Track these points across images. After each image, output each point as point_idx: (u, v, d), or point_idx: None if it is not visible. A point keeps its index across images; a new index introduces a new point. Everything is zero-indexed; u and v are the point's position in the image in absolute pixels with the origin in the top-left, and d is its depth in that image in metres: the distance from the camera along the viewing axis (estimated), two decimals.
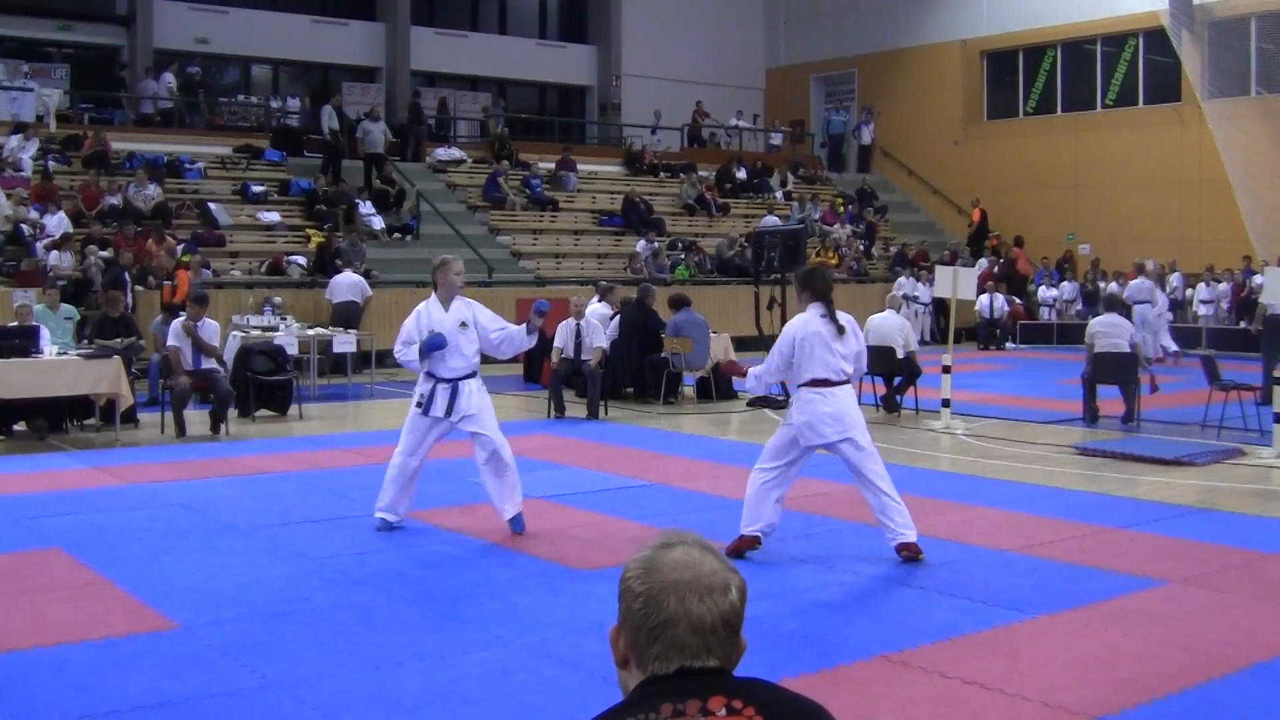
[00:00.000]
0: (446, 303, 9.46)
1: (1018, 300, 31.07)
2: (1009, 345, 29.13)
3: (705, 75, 39.72)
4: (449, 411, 9.28)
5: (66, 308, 17.24)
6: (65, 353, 14.65)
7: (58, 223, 22.10)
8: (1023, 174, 35.34)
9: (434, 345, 9.27)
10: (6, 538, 9.29)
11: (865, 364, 9.23)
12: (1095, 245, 33.21)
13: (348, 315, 21.18)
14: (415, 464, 9.47)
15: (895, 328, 16.61)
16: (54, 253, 21.24)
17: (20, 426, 14.83)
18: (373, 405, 18.40)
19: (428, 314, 9.41)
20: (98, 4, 32.15)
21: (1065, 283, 31.86)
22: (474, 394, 9.35)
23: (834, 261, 31.66)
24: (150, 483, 11.69)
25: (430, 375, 9.36)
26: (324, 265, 23.55)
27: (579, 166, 32.74)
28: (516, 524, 9.32)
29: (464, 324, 9.39)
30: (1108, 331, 15.57)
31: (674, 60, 39.32)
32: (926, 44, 38.03)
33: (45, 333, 14.88)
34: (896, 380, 16.73)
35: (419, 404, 9.39)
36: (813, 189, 36.31)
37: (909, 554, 8.40)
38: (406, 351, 9.47)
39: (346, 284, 21.83)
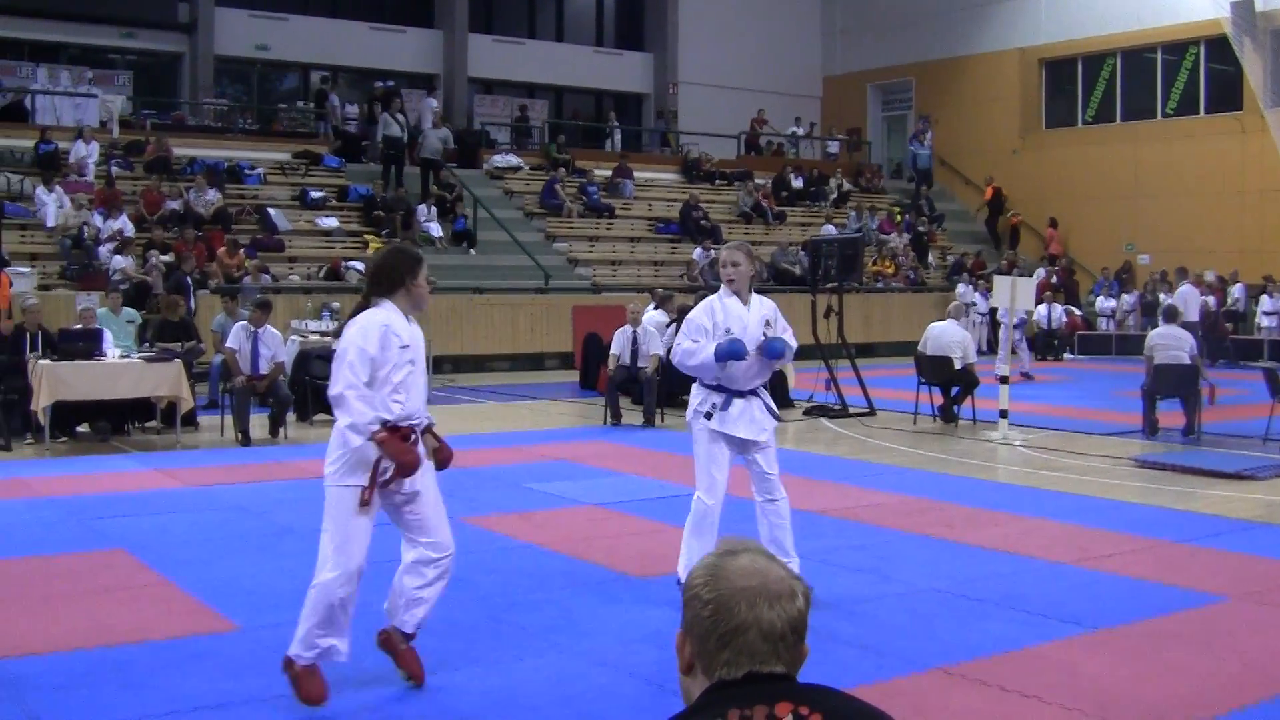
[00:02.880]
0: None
1: (1076, 311, 30.86)
2: (1067, 356, 28.93)
3: (761, 83, 39.68)
4: None
5: (128, 311, 17.40)
6: (127, 356, 14.80)
7: (120, 227, 22.34)
8: (1081, 183, 35.09)
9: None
10: (70, 538, 9.40)
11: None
12: (1155, 256, 32.92)
13: None
14: None
15: (954, 338, 16.51)
16: (116, 257, 21.47)
17: (83, 428, 14.99)
18: (429, 410, 18.44)
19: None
20: (160, 12, 32.47)
21: (1125, 294, 31.60)
22: None
23: (890, 271, 31.57)
24: (210, 485, 11.80)
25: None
26: None
27: (635, 174, 32.79)
28: None
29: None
30: (1167, 343, 15.46)
31: (730, 68, 39.32)
32: (984, 52, 37.85)
33: (108, 336, 15.04)
34: (954, 390, 16.65)
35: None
36: (870, 198, 36.19)
37: None
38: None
39: None
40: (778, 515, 7.90)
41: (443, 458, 6.38)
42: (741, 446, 7.82)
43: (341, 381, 5.83)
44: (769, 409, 7.92)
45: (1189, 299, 23.04)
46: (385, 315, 5.99)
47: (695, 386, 7.92)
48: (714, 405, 7.74)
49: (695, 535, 7.73)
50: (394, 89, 32.06)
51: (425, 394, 6.25)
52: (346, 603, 5.99)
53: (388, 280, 6.09)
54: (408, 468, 5.92)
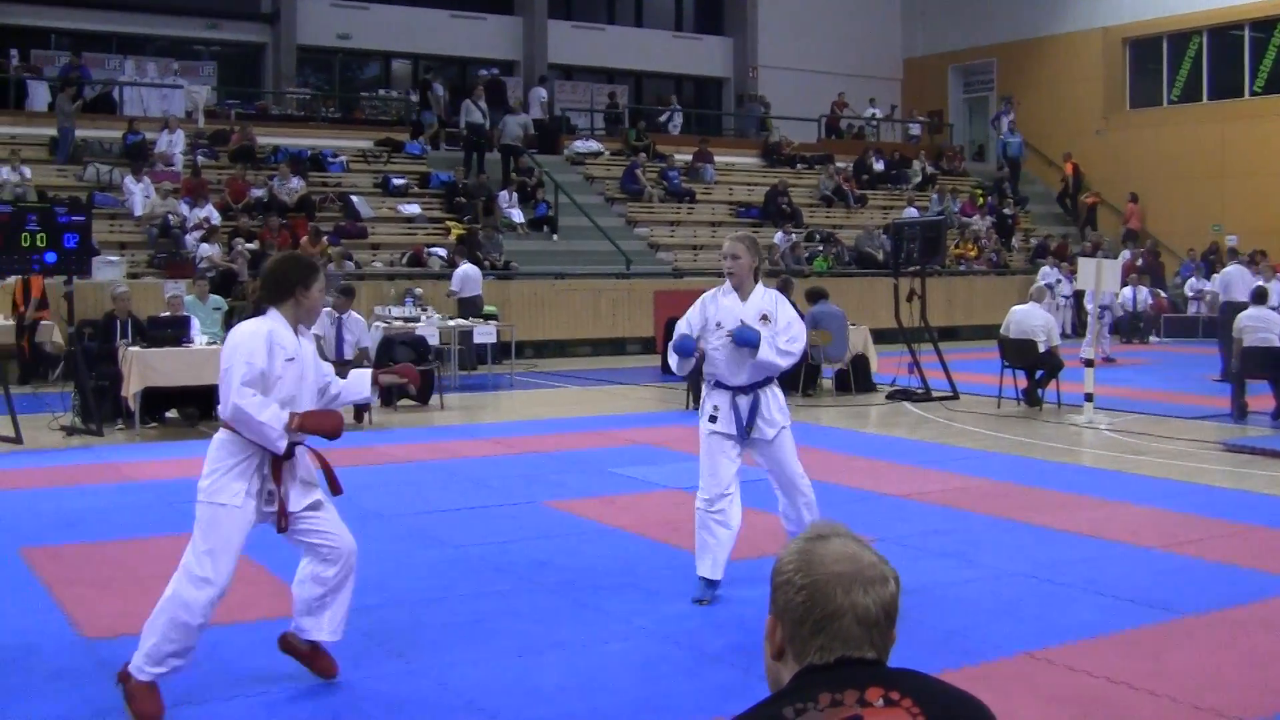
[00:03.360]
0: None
1: (1161, 293, 30.46)
2: (1152, 339, 28.57)
3: (841, 66, 39.44)
4: None
5: (215, 298, 17.63)
6: (214, 342, 14.98)
7: (206, 215, 22.62)
8: (1167, 164, 34.57)
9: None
10: (161, 521, 9.54)
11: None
12: (1243, 236, 32.39)
13: (474, 307, 21.23)
14: None
15: (1038, 321, 16.36)
16: (203, 245, 21.75)
17: (172, 414, 15.20)
18: (512, 396, 18.59)
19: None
20: (243, 3, 32.84)
21: (1216, 275, 31.10)
22: None
23: (973, 253, 31.33)
24: None
25: None
26: (469, 256, 23.82)
27: (716, 158, 32.74)
28: None
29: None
30: (1256, 325, 15.24)
31: (810, 51, 39.11)
32: (1067, 32, 37.38)
33: (195, 323, 15.25)
34: (1038, 374, 16.51)
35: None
36: (952, 180, 35.92)
37: None
38: None
39: (475, 276, 21.88)
40: (805, 509, 7.75)
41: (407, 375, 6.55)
42: (750, 444, 7.63)
43: (234, 396, 5.58)
44: (778, 407, 7.68)
45: (1234, 280, 22.55)
46: (269, 324, 5.76)
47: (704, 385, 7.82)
48: (715, 408, 7.60)
49: (703, 531, 7.52)
50: (497, 78, 32.11)
51: (312, 407, 5.97)
52: (206, 623, 5.74)
53: (277, 289, 5.86)
54: (336, 431, 5.91)
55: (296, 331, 5.86)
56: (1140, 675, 6.04)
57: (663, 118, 35.23)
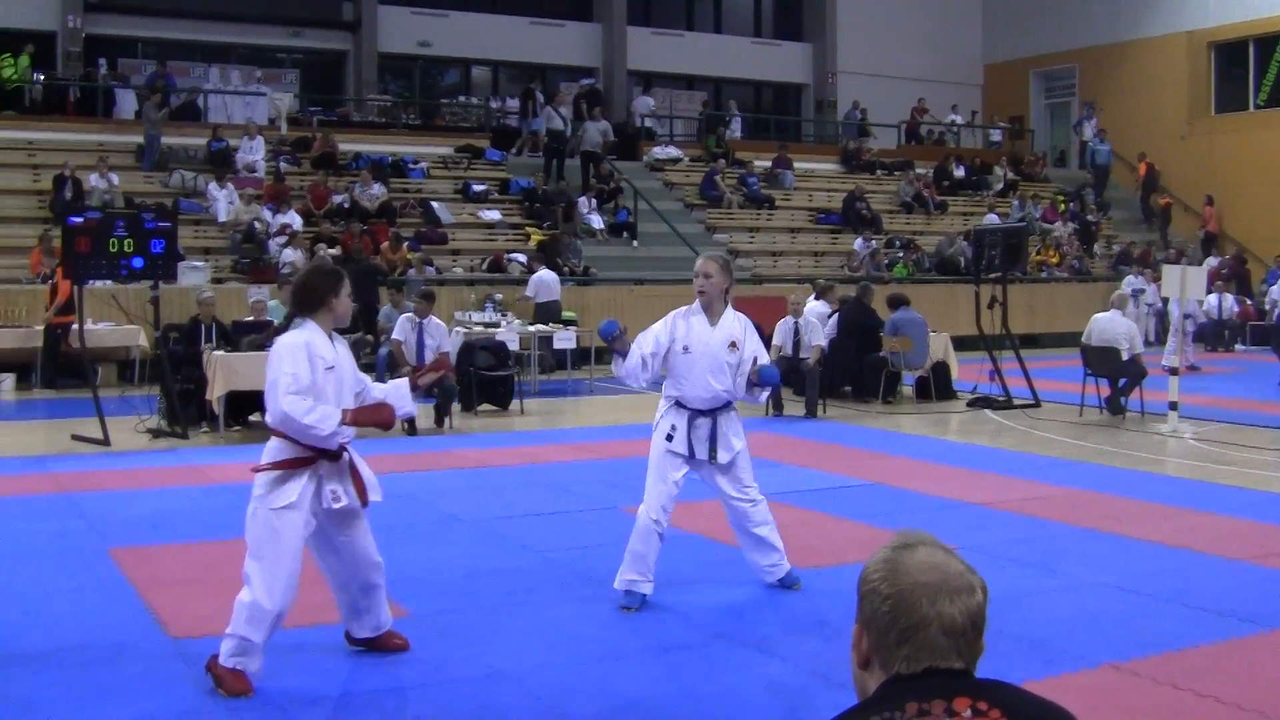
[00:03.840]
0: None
1: (1247, 300, 30.03)
2: (1238, 347, 28.17)
3: (921, 71, 39.25)
4: None
5: None
6: None
7: (288, 221, 22.87)
8: (1253, 169, 34.10)
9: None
10: (245, 523, 9.63)
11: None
12: None
13: (551, 313, 21.24)
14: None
15: (1121, 329, 16.18)
16: (285, 250, 21.97)
17: (255, 417, 15.34)
18: (591, 401, 18.63)
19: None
20: (325, 11, 33.12)
21: None
22: None
23: (1054, 260, 31.06)
24: (378, 474, 11.94)
25: None
26: (548, 262, 23.90)
27: (795, 164, 32.67)
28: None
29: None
30: None
31: (889, 57, 38.95)
32: (1150, 36, 36.99)
33: None
34: (1121, 382, 16.33)
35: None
36: (1033, 186, 35.64)
37: None
38: None
39: (552, 281, 21.86)
40: (757, 524, 7.76)
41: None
42: (700, 466, 7.63)
43: (281, 403, 5.88)
44: (734, 432, 7.64)
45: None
46: (306, 336, 6.06)
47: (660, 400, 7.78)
48: (673, 427, 7.55)
49: (642, 540, 7.45)
50: (595, 88, 32.15)
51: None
52: (278, 619, 5.95)
53: (309, 300, 6.17)
54: (388, 423, 6.38)
55: (331, 338, 6.14)
56: (1229, 689, 5.95)
57: (729, 122, 35.08)
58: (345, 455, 6.16)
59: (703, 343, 7.46)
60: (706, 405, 7.52)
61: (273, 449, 6.04)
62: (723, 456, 7.53)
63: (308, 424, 5.83)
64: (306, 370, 5.92)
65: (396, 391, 6.59)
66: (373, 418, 6.23)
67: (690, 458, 7.53)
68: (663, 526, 7.44)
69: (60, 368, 18.65)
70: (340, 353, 6.15)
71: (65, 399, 17.54)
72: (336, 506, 6.09)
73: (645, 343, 7.61)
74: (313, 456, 6.02)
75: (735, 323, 7.62)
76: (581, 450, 13.36)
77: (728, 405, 7.60)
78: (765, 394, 7.84)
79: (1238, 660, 6.45)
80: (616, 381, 20.41)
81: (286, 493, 5.97)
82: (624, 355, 7.57)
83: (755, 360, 7.52)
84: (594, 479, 11.73)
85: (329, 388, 6.01)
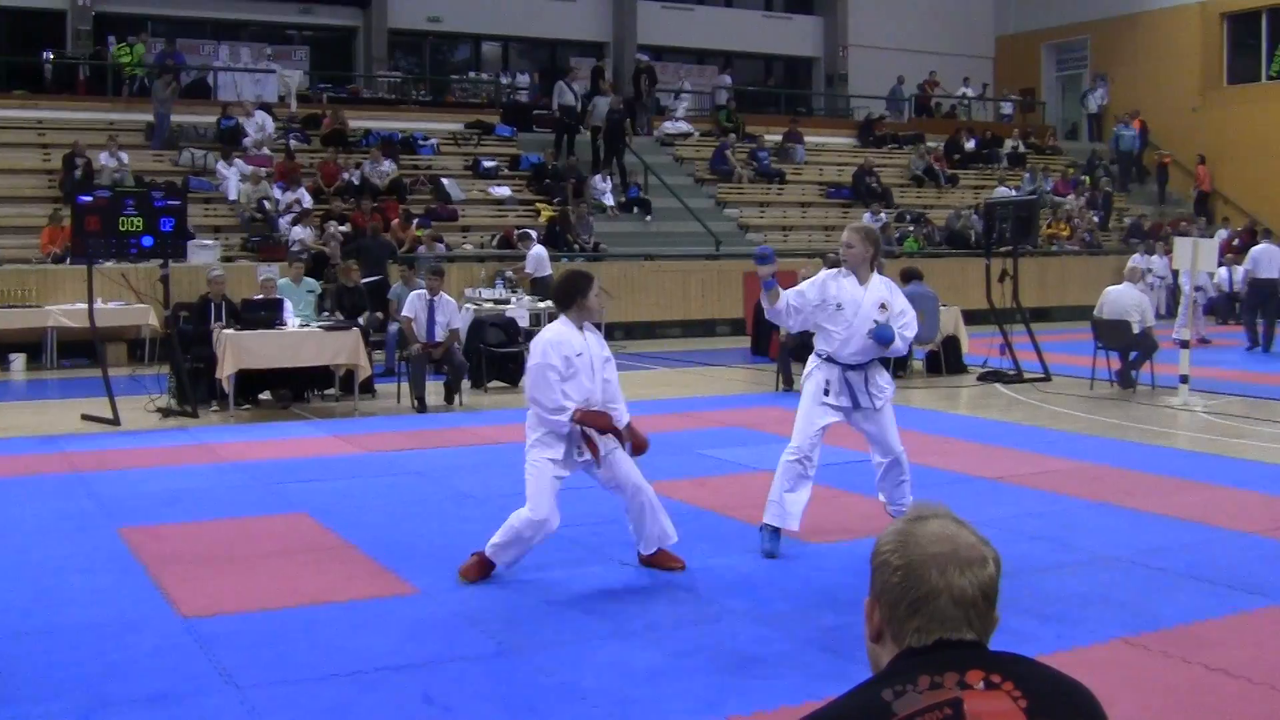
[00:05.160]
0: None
1: None
2: None
3: (933, 44, 39.12)
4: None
5: (309, 280, 17.79)
6: (307, 324, 15.13)
7: (298, 199, 22.85)
8: (1265, 141, 33.93)
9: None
10: (257, 502, 9.66)
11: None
12: None
13: (546, 287, 21.12)
14: None
15: (1131, 301, 16.13)
16: (295, 228, 21.96)
17: (265, 396, 15.36)
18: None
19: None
20: None
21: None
22: None
23: (1065, 233, 30.96)
24: (388, 451, 12.02)
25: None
26: (554, 239, 23.86)
27: (806, 138, 32.58)
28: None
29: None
30: None
31: (901, 29, 38.82)
32: (1163, 7, 36.83)
33: (289, 305, 15.39)
34: (1132, 355, 16.28)
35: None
36: (1044, 159, 35.51)
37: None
38: None
39: (543, 257, 21.68)
40: (897, 471, 8.38)
41: (636, 444, 7.69)
42: (849, 415, 8.23)
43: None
44: (882, 382, 8.25)
45: (1263, 258, 22.01)
46: (558, 331, 7.46)
47: (811, 356, 8.38)
48: (827, 382, 8.15)
49: (786, 481, 8.11)
50: (599, 66, 31.92)
51: (605, 389, 7.55)
52: (536, 538, 7.35)
53: (564, 297, 7.58)
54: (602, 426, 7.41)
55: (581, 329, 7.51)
56: (1239, 663, 5.93)
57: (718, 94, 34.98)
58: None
59: (854, 301, 8.05)
60: (856, 360, 8.10)
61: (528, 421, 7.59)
62: (875, 402, 8.17)
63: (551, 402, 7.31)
64: (559, 361, 7.31)
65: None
66: (592, 419, 7.38)
67: (847, 410, 8.17)
68: (809, 468, 8.12)
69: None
70: (589, 343, 7.51)
71: (75, 378, 17.57)
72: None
73: (793, 293, 8.19)
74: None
75: (883, 287, 8.23)
76: None
77: (874, 361, 8.22)
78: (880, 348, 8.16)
79: (1248, 634, 6.43)
80: (626, 357, 20.40)
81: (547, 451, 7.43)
82: (769, 287, 8.11)
83: (903, 314, 8.19)
84: None
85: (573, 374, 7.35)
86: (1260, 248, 22.21)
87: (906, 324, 8.17)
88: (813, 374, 8.23)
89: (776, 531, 8.04)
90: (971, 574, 2.27)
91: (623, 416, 7.62)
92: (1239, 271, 27.79)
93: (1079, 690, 2.29)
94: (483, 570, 7.40)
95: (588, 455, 7.42)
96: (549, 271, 21.43)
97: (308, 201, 23.09)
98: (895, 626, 2.29)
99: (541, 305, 19.25)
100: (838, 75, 38.35)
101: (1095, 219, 32.42)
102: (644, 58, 33.33)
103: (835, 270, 8.27)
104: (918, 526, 2.34)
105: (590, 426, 7.34)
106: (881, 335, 7.98)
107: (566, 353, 7.31)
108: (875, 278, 8.22)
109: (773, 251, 8.21)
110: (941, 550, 2.28)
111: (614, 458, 7.51)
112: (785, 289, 8.23)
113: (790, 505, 8.03)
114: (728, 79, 34.97)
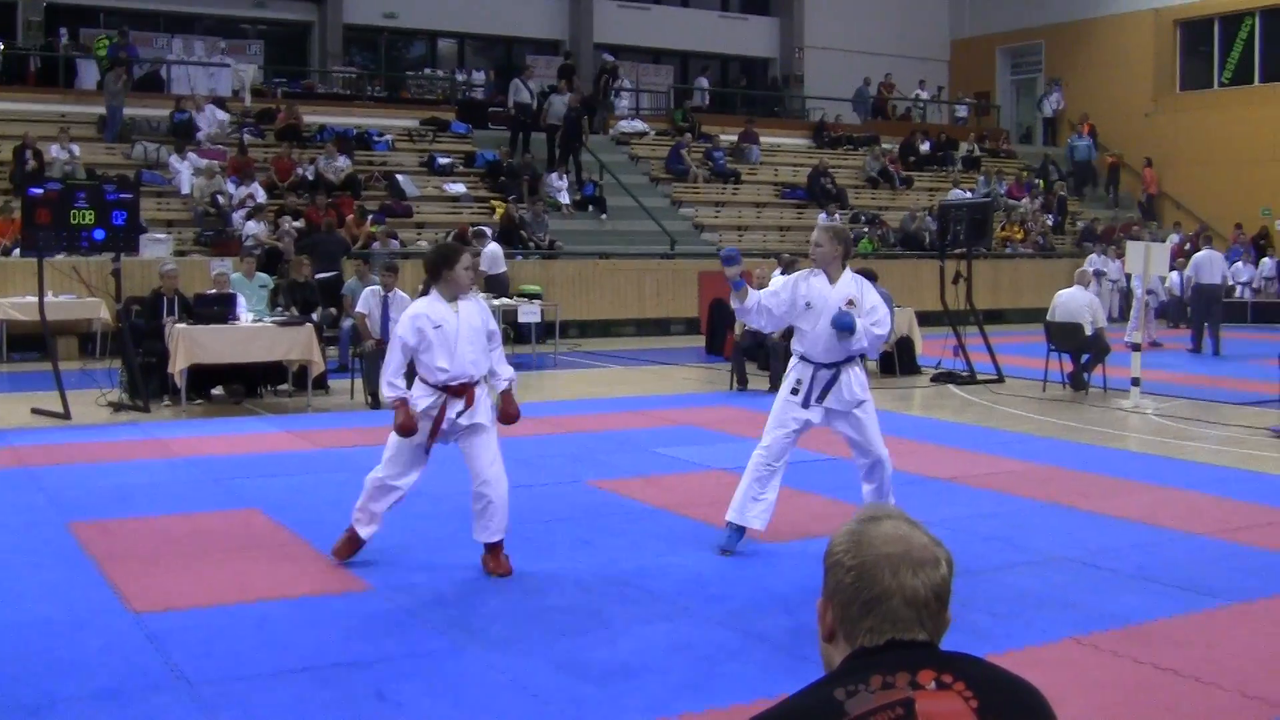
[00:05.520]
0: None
1: None
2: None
3: (888, 47, 39.29)
4: None
5: (261, 275, 17.69)
6: (260, 320, 15.05)
7: (252, 193, 22.73)
8: (1217, 147, 34.28)
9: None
10: (208, 498, 9.61)
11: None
12: None
13: (499, 285, 21.15)
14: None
15: (1083, 304, 16.25)
16: (249, 223, 21.83)
17: (218, 391, 15.28)
18: (555, 375, 18.61)
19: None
20: None
21: (1265, 259, 30.78)
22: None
23: (1019, 236, 31.14)
24: (341, 448, 11.97)
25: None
26: (509, 236, 23.82)
27: (761, 139, 32.65)
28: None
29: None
30: None
31: (856, 31, 38.99)
32: (1117, 13, 37.17)
33: (241, 300, 15.30)
34: (1084, 358, 16.40)
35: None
36: (998, 163, 35.72)
37: None
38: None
39: (497, 254, 21.71)
40: (880, 475, 8.31)
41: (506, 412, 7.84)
42: (827, 416, 8.17)
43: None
44: (859, 383, 8.21)
45: (1203, 263, 22.27)
46: (419, 304, 7.60)
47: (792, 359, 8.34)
48: (798, 380, 8.12)
49: (752, 480, 8.11)
50: (569, 64, 31.87)
51: (472, 357, 7.52)
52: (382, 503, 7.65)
53: (432, 270, 7.62)
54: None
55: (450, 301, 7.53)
56: (1188, 662, 5.99)
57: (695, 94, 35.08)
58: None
59: (822, 299, 8.01)
60: (827, 358, 8.07)
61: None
62: (850, 404, 8.12)
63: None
64: (413, 337, 7.45)
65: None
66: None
67: (814, 408, 8.10)
68: (777, 470, 8.12)
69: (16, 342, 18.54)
70: (460, 310, 7.53)
71: (25, 372, 17.42)
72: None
73: (766, 293, 8.22)
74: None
75: (853, 284, 8.17)
76: (545, 424, 13.27)
77: (850, 359, 8.18)
78: (846, 341, 8.07)
79: (1199, 634, 6.49)
80: (580, 355, 20.39)
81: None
82: (738, 287, 8.10)
83: (874, 310, 8.17)
84: (558, 453, 11.72)
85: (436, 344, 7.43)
86: (1202, 254, 22.46)
87: (878, 321, 8.12)
88: (790, 373, 8.24)
89: (740, 530, 8.07)
90: (924, 575, 2.29)
91: (501, 384, 7.83)
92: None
93: (1029, 690, 2.31)
94: (352, 546, 7.66)
95: (452, 416, 7.53)
96: (504, 269, 21.44)
97: (261, 196, 22.96)
98: (848, 626, 2.31)
99: (495, 303, 19.21)
100: (793, 76, 38.44)
101: (1049, 222, 32.64)
102: (610, 58, 33.36)
103: (806, 272, 8.25)
104: (870, 527, 2.35)
105: (454, 396, 7.50)
106: (841, 322, 7.91)
107: (421, 325, 7.41)
108: (846, 275, 8.21)
109: (739, 253, 8.20)
110: (894, 551, 2.30)
111: (476, 441, 7.63)
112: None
113: (753, 505, 8.04)
114: (704, 81, 35.01)
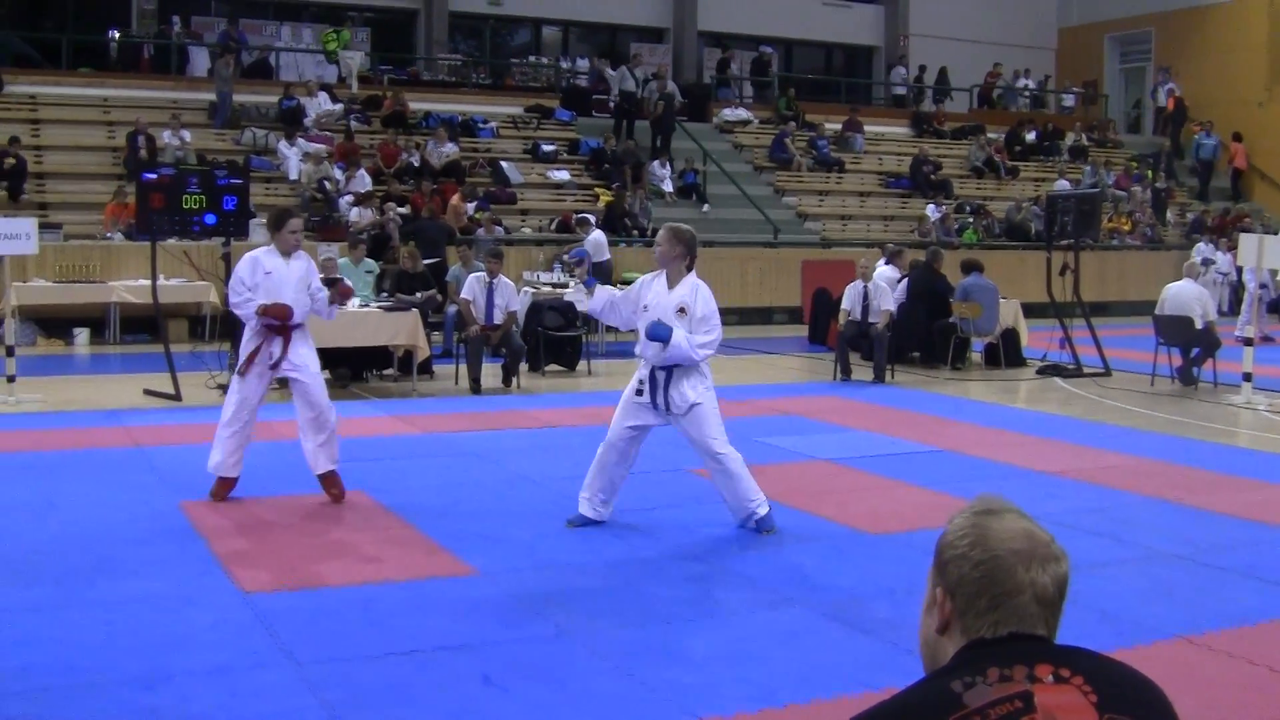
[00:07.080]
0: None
1: None
2: None
3: (994, 35, 38.75)
4: None
5: (368, 261, 17.85)
6: (366, 305, 15.19)
7: (359, 180, 22.95)
8: None
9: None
10: (314, 481, 9.69)
11: None
12: None
13: (603, 273, 21.12)
14: None
15: (1193, 297, 15.99)
16: (356, 209, 22.05)
17: (324, 374, 15.42)
18: None
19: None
20: None
21: None
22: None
23: (1127, 228, 30.69)
24: (446, 432, 12.07)
25: None
26: (613, 224, 23.86)
27: (866, 128, 32.43)
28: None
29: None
30: None
31: (962, 19, 38.51)
32: (1230, 0, 36.38)
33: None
34: (1194, 352, 16.13)
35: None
36: (1106, 153, 35.21)
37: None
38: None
39: (601, 242, 21.60)
40: (723, 475, 8.23)
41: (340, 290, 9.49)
42: (669, 417, 8.20)
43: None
44: (689, 385, 8.11)
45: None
46: (257, 251, 9.08)
47: None
48: (640, 381, 8.16)
49: (592, 470, 8.32)
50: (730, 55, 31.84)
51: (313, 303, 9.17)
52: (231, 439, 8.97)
53: (270, 226, 9.21)
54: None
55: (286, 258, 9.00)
56: None
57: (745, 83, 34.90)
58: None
59: (658, 304, 8.06)
60: (658, 362, 8.05)
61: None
62: (681, 406, 8.08)
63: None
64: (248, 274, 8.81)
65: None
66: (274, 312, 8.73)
67: (656, 408, 8.14)
68: (610, 458, 8.22)
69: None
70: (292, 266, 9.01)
71: (138, 354, 17.73)
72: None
73: (620, 290, 8.52)
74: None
75: (689, 289, 8.11)
76: None
77: (685, 366, 8.08)
78: (663, 351, 7.99)
79: None
80: None
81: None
82: (589, 285, 8.48)
83: (705, 320, 8.10)
84: (660, 441, 11.64)
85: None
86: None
87: (707, 330, 8.04)
88: (635, 375, 8.29)
89: (585, 518, 8.29)
90: (1052, 571, 2.29)
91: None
92: None
93: (1148, 685, 2.29)
94: (223, 487, 8.99)
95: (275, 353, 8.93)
96: (607, 257, 21.44)
97: (366, 182, 23.17)
98: (969, 619, 2.29)
99: (601, 289, 19.22)
100: (898, 64, 38.10)
101: (1169, 218, 32.08)
102: (724, 48, 33.31)
103: (653, 274, 8.31)
104: (991, 520, 2.33)
105: (271, 317, 8.77)
106: (653, 332, 7.89)
107: (254, 268, 8.84)
108: (689, 279, 8.16)
109: (586, 252, 8.71)
110: (1022, 547, 2.29)
111: (304, 380, 9.01)
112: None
113: (587, 493, 8.31)
114: (902, 70, 34.70)
